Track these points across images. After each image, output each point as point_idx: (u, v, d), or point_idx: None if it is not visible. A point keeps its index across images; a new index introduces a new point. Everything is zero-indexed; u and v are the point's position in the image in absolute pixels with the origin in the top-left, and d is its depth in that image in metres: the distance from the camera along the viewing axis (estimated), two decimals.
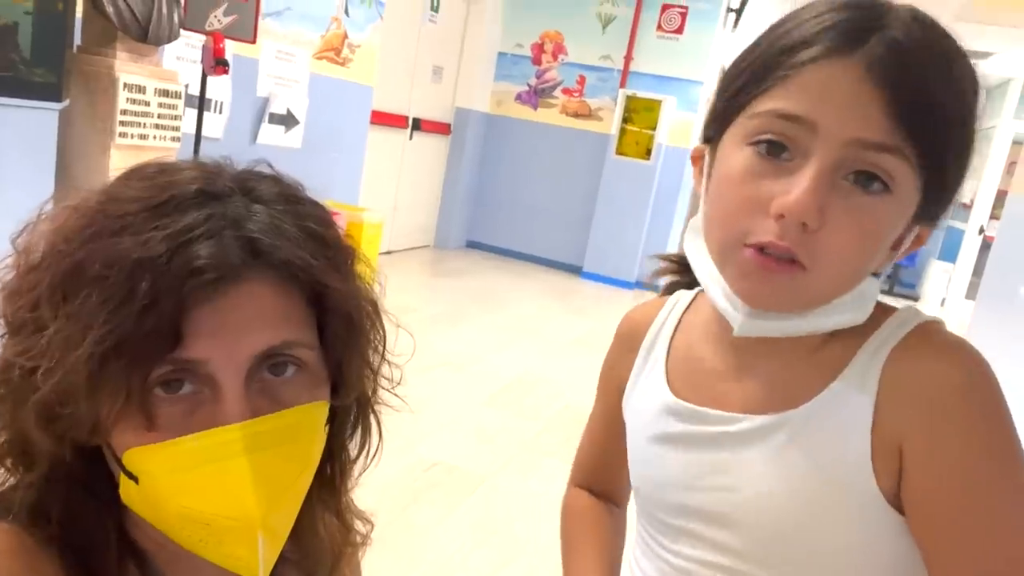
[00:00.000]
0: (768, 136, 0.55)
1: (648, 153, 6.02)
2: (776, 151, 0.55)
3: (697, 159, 0.65)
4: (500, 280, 5.79)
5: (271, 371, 0.48)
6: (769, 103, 0.55)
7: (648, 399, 0.69)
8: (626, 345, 0.75)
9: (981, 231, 7.25)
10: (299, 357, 0.49)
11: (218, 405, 0.46)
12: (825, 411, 0.58)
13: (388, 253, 5.74)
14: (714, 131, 0.61)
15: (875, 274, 0.60)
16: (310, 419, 0.50)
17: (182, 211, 0.45)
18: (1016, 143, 7.26)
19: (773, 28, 0.58)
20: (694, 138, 6.24)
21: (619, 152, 6.10)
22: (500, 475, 2.56)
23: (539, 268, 6.49)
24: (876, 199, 0.54)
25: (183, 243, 0.44)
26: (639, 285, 6.32)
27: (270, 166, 0.54)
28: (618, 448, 0.75)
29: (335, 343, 0.51)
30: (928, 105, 0.52)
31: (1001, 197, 6.44)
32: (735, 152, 0.57)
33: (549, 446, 2.88)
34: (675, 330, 0.71)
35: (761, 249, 0.55)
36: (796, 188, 0.53)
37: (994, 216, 6.75)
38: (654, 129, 5.98)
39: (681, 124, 6.08)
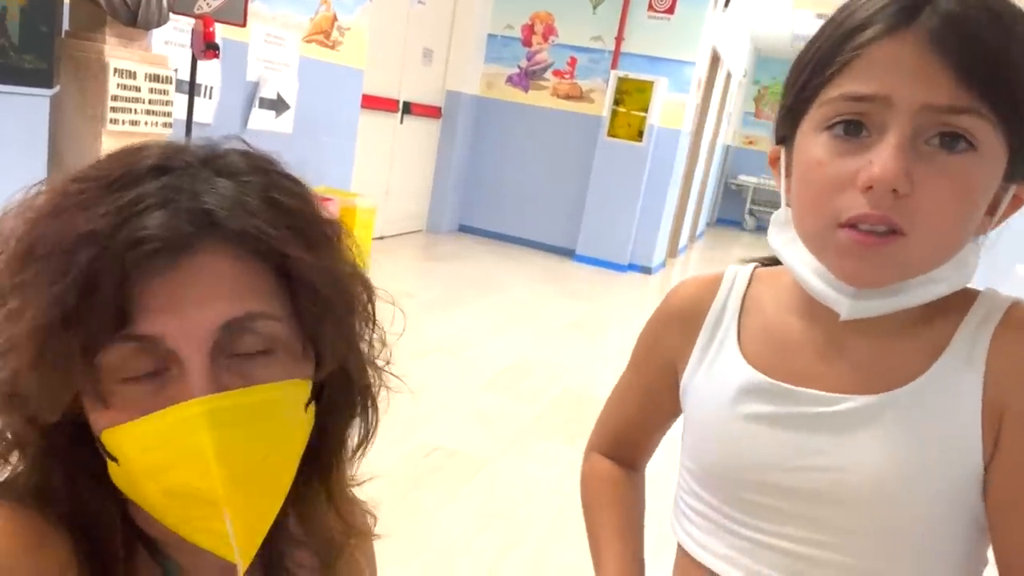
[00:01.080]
0: (843, 117, 0.57)
1: (640, 135, 6.01)
2: (853, 131, 0.57)
3: (774, 161, 0.66)
4: (493, 264, 5.79)
5: (241, 348, 0.47)
6: (837, 89, 0.57)
7: (723, 378, 0.68)
8: (680, 323, 0.73)
9: None
10: (266, 331, 0.47)
11: (183, 382, 0.45)
12: (934, 389, 0.59)
13: (380, 239, 5.71)
14: (787, 129, 0.63)
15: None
16: (283, 397, 0.48)
17: (134, 185, 0.44)
18: None
19: (830, 20, 0.60)
20: (686, 119, 6.23)
21: (611, 134, 6.08)
22: (500, 459, 2.57)
23: (532, 252, 6.49)
24: (962, 158, 0.54)
25: (130, 216, 0.43)
26: (632, 268, 6.33)
27: (243, 141, 0.52)
28: (650, 421, 0.77)
29: (305, 316, 0.50)
30: (993, 63, 0.53)
31: None
32: (812, 141, 0.59)
33: (548, 430, 2.89)
34: (740, 308, 0.71)
35: (855, 227, 0.56)
36: (879, 158, 0.54)
37: None
38: (646, 111, 5.96)
39: (673, 105, 6.06)
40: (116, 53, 2.45)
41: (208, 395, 0.44)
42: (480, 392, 3.16)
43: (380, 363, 0.58)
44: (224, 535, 0.46)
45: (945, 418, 0.58)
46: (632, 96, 5.99)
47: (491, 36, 6.50)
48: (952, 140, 0.54)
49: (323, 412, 0.54)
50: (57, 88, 2.35)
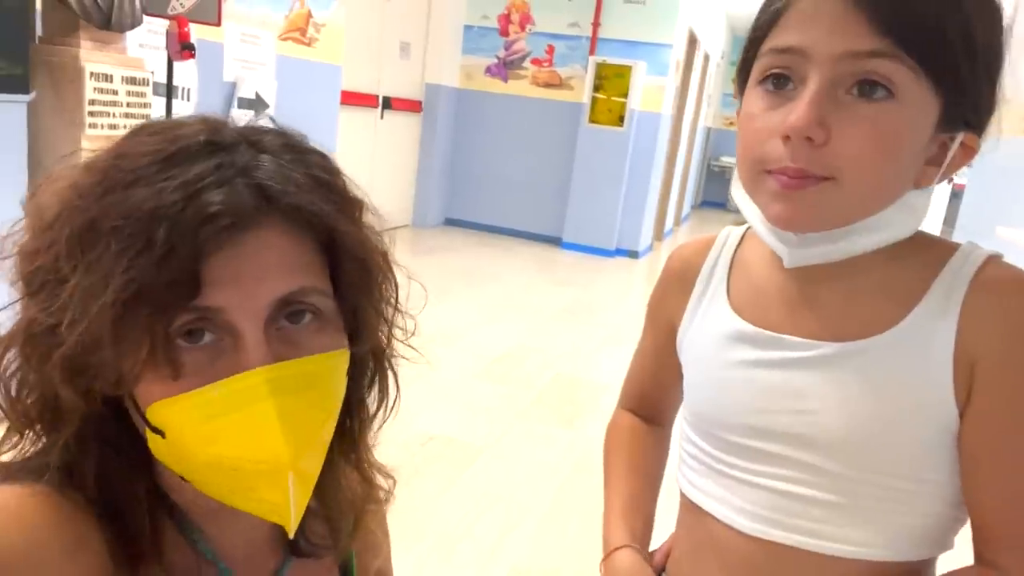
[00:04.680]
0: (772, 71, 0.60)
1: (621, 120, 6.02)
2: (781, 84, 0.59)
3: (738, 114, 0.69)
4: (481, 256, 5.79)
5: (289, 319, 0.48)
6: (768, 43, 0.60)
7: (713, 329, 0.71)
8: (677, 282, 0.77)
9: (950, 180, 7.34)
10: (315, 304, 0.49)
11: (240, 352, 0.46)
12: (909, 337, 0.61)
13: None
14: (741, 85, 0.66)
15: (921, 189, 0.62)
16: (332, 367, 0.50)
17: (192, 161, 0.46)
18: None
19: None
20: (666, 103, 6.24)
21: (592, 120, 6.08)
22: (497, 445, 2.58)
23: (519, 241, 6.49)
24: (880, 105, 0.56)
25: (196, 191, 0.44)
26: (620, 252, 6.35)
27: (273, 120, 0.54)
28: (665, 376, 0.80)
29: (349, 290, 0.51)
30: (911, 11, 0.55)
31: None
32: (750, 95, 0.63)
33: (543, 415, 2.91)
34: (731, 264, 0.74)
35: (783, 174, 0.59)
36: (796, 108, 0.57)
37: None
38: (626, 96, 5.97)
39: (653, 89, 6.07)
40: (92, 57, 2.43)
41: (267, 365, 0.46)
42: (475, 380, 3.17)
43: (399, 334, 0.60)
44: (272, 502, 0.47)
45: (916, 369, 0.60)
46: (611, 81, 5.99)
47: (468, 27, 6.48)
48: (870, 88, 0.56)
49: (348, 377, 0.55)
50: (34, 94, 2.33)
